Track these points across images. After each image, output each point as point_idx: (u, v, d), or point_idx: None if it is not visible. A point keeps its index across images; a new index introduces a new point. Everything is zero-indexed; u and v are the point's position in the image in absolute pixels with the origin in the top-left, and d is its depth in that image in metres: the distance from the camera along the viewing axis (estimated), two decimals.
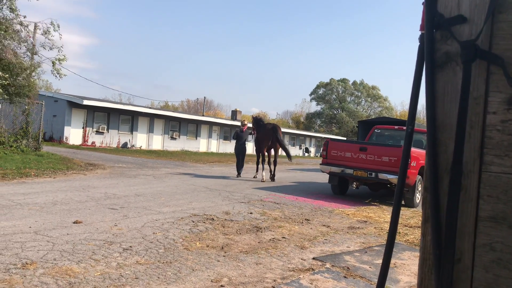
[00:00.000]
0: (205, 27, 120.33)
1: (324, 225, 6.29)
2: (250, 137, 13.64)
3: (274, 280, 3.58)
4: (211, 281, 3.43)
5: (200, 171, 14.28)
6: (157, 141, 30.00)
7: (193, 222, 5.68)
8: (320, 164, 10.02)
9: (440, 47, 1.12)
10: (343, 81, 65.41)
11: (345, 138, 45.40)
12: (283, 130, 23.46)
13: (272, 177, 12.64)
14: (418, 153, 8.89)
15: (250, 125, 13.81)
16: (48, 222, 5.04)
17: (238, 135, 13.38)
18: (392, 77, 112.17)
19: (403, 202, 8.79)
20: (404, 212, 8.12)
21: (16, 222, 4.91)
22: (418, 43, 1.17)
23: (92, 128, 25.57)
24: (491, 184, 1.03)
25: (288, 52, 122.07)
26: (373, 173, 8.91)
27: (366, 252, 4.83)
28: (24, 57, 14.74)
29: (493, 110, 1.03)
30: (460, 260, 1.07)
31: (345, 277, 3.82)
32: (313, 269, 3.98)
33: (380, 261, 4.30)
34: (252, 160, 18.39)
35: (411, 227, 6.61)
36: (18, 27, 13.70)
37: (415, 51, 1.18)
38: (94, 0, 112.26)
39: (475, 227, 1.05)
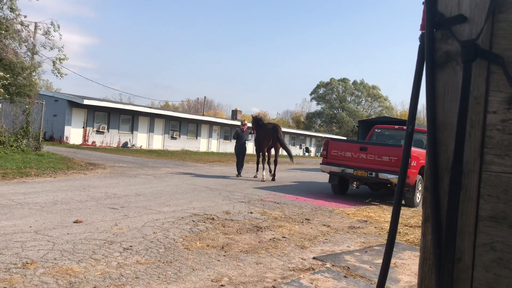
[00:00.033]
0: (205, 27, 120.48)
1: (324, 225, 6.29)
2: (250, 136, 13.64)
3: (275, 280, 3.58)
4: (212, 281, 3.43)
5: (201, 171, 14.28)
6: (158, 141, 30.00)
7: (194, 221, 5.68)
8: (321, 163, 10.02)
9: (440, 46, 1.12)
10: (344, 80, 65.38)
11: (345, 138, 45.41)
12: (283, 129, 23.45)
13: (273, 177, 12.65)
14: (419, 153, 8.89)
15: (250, 124, 13.82)
16: (49, 221, 5.04)
17: (238, 135, 13.38)
18: (392, 76, 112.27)
19: (403, 202, 8.79)
20: (405, 211, 8.12)
21: (16, 221, 4.91)
22: (418, 43, 1.17)
23: (93, 128, 25.58)
24: (492, 183, 1.03)
25: (288, 52, 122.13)
26: (374, 173, 8.91)
27: (366, 251, 4.83)
28: (24, 57, 14.77)
29: (493, 109, 1.03)
30: (460, 259, 1.07)
31: (345, 276, 3.83)
32: (313, 269, 3.98)
33: (380, 261, 4.29)
34: (252, 159, 18.40)
35: (411, 226, 6.61)
36: (18, 27, 13.72)
37: (415, 51, 1.18)
38: (95, 0, 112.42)
39: (476, 226, 1.05)
